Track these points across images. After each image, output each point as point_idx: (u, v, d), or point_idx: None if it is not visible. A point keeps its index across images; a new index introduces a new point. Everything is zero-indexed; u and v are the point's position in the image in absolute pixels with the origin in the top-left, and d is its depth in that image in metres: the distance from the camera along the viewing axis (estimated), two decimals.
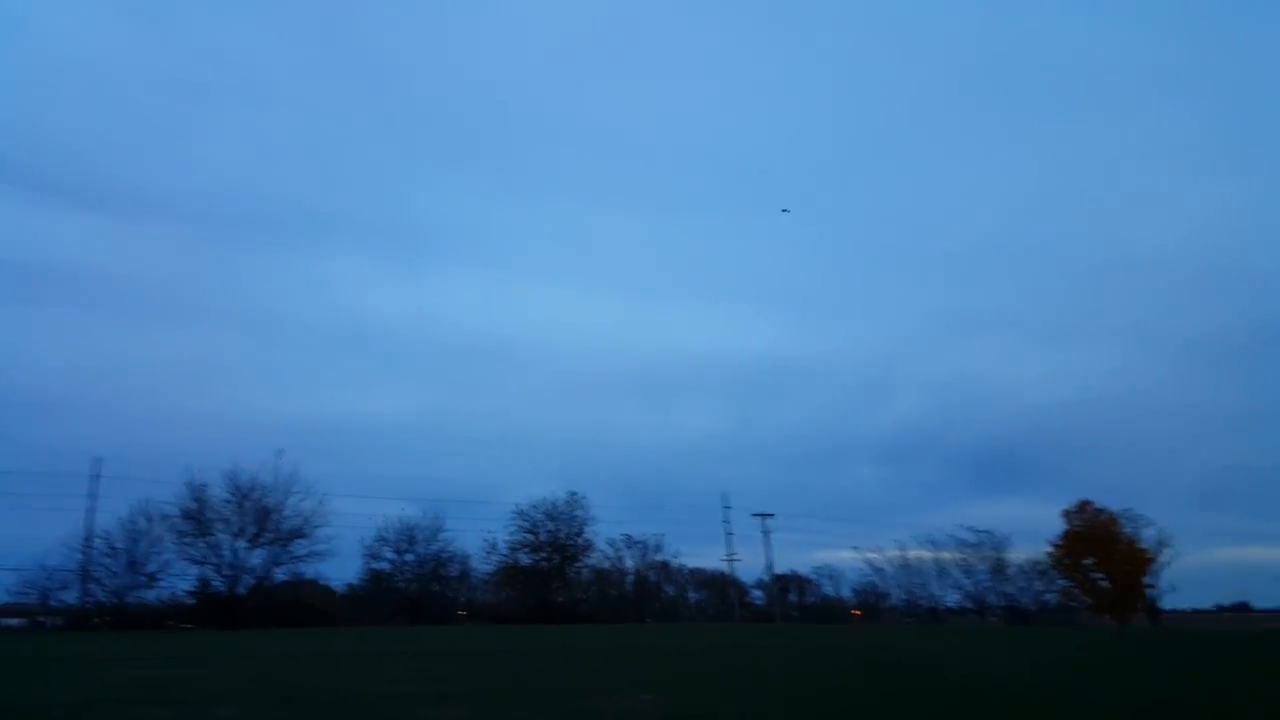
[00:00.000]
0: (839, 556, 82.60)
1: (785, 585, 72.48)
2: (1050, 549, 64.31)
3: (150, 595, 54.85)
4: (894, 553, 64.40)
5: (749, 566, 72.39)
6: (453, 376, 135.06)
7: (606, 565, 64.53)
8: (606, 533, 64.19)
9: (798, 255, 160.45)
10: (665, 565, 66.97)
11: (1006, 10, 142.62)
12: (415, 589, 59.69)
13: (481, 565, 62.08)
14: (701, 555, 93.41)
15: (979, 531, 64.45)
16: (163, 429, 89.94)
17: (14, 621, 53.58)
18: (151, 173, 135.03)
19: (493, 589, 64.52)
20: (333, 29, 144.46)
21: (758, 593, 73.95)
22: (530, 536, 61.02)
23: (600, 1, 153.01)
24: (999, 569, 66.08)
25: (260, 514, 55.88)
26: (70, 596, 53.44)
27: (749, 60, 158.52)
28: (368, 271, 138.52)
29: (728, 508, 61.09)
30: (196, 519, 54.83)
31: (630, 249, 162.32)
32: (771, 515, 61.15)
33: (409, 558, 59.67)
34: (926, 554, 65.04)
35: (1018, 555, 63.84)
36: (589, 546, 62.30)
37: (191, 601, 55.51)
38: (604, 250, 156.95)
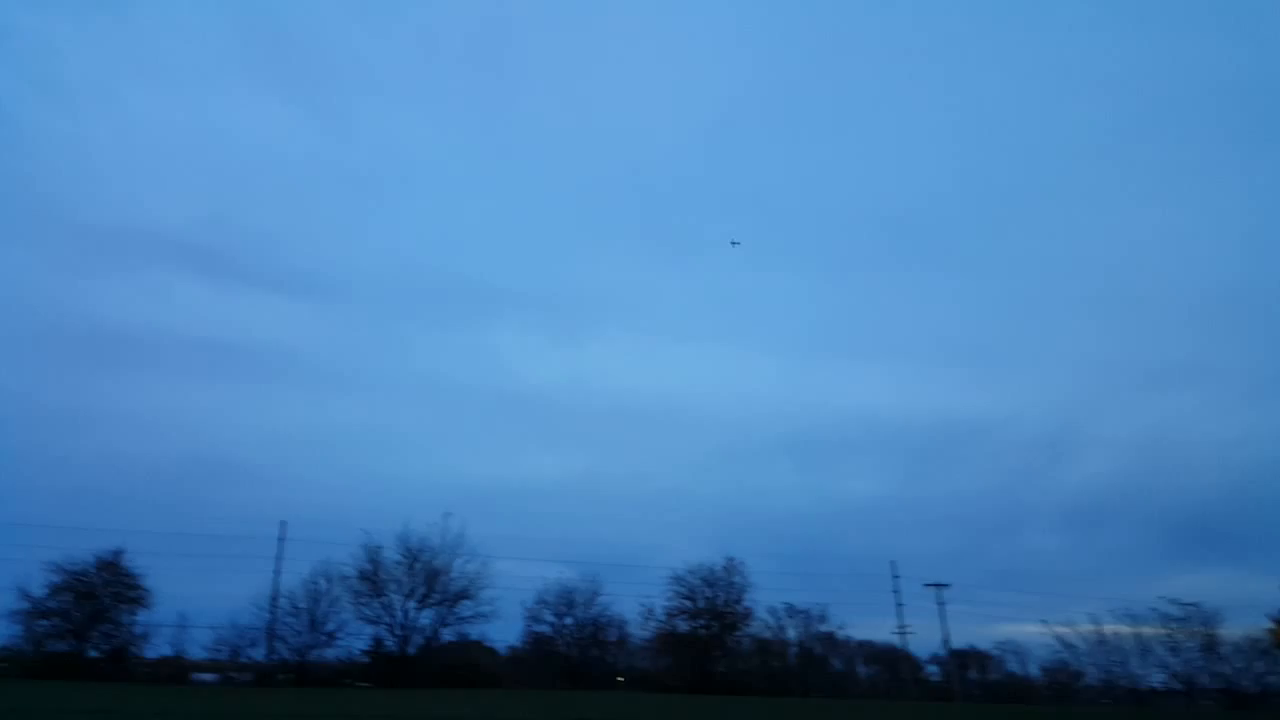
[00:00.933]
0: (1023, 630, 77.14)
1: (964, 661, 68.48)
2: (1273, 625, 57.69)
3: (329, 653, 58.31)
4: (1087, 627, 59.46)
5: (922, 640, 68.78)
6: (608, 440, 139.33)
7: (768, 635, 63.39)
8: (766, 600, 63.25)
9: (966, 308, 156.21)
10: (830, 637, 64.87)
11: (1201, 40, 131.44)
12: (575, 653, 60.42)
13: (639, 631, 62.32)
14: (869, 627, 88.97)
15: (1184, 604, 58.81)
16: (343, 493, 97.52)
17: (209, 677, 58.01)
18: (333, 258, 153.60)
19: (650, 655, 64.39)
20: (488, 114, 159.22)
21: (933, 668, 70.37)
22: (688, 603, 60.73)
23: (747, 65, 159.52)
24: (1210, 646, 59.91)
25: (429, 575, 58.40)
26: (258, 653, 57.58)
27: (904, 110, 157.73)
28: (529, 340, 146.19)
29: (897, 577, 58.55)
30: (371, 580, 58.00)
31: (787, 309, 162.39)
32: (946, 585, 57.97)
33: (568, 621, 60.76)
34: (1125, 629, 59.71)
35: (1232, 631, 57.71)
36: (749, 615, 61.40)
37: (366, 660, 58.42)
38: (760, 311, 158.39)
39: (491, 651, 62.53)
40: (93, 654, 55.28)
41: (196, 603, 60.06)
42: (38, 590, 54.08)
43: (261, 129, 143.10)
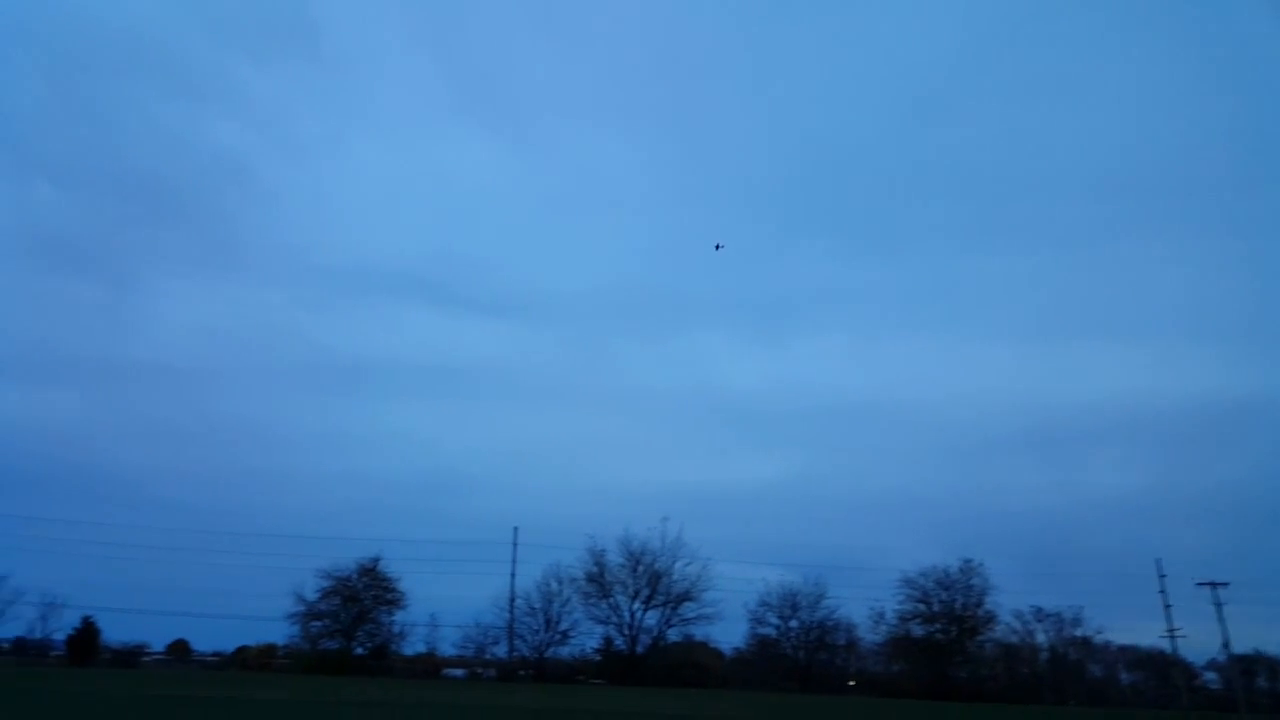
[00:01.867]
0: None
1: (1250, 667, 62.13)
2: None
3: (564, 651, 62.19)
4: None
5: (1195, 644, 62.81)
6: (821, 441, 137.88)
7: (1014, 639, 60.44)
8: (1010, 603, 60.34)
9: (1221, 274, 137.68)
10: (1086, 641, 60.89)
11: None
12: (802, 656, 60.65)
13: (869, 634, 61.55)
14: (1131, 630, 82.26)
15: None
16: (566, 500, 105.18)
17: (458, 672, 63.56)
18: (543, 279, 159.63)
19: (883, 660, 63.44)
20: (677, 125, 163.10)
21: (1210, 675, 64.42)
22: (922, 606, 59.33)
23: (941, 37, 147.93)
24: None
25: (652, 577, 60.74)
26: (500, 650, 62.42)
27: (1121, 61, 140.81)
28: (733, 344, 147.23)
29: (1163, 575, 53.64)
30: (598, 582, 61.21)
31: (1012, 292, 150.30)
32: (1224, 584, 52.47)
33: (793, 624, 61.14)
34: None
35: None
36: (991, 619, 59.04)
37: (598, 658, 61.73)
38: (981, 298, 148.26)
39: (717, 653, 64.16)
40: (359, 651, 62.12)
41: (444, 604, 66.36)
42: (310, 594, 61.70)
43: (471, 163, 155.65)
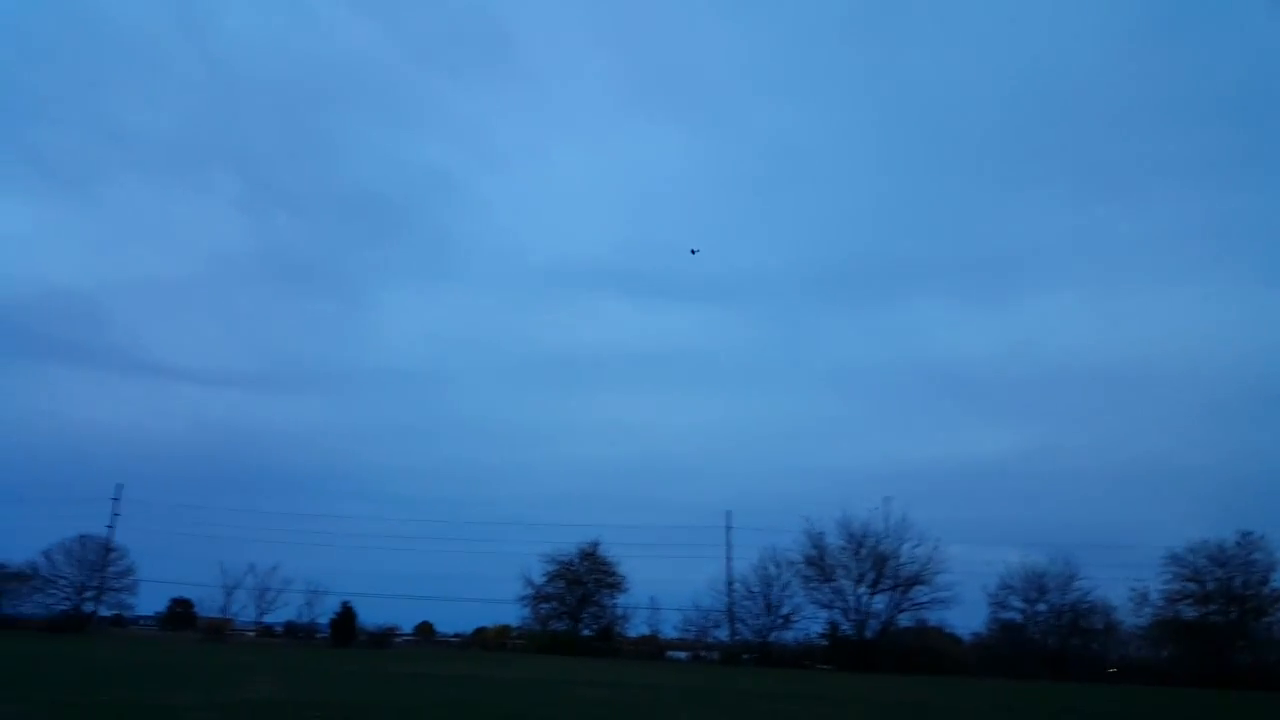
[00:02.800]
0: None
1: None
2: None
3: (787, 635, 62.61)
4: None
5: None
6: (1056, 408, 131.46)
7: None
8: None
9: None
10: None
11: None
12: (1053, 641, 57.61)
13: (1130, 618, 57.56)
14: None
15: None
16: (779, 483, 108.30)
17: (681, 654, 65.66)
18: (739, 260, 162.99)
19: (1148, 645, 59.12)
20: (872, 87, 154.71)
21: None
22: (1193, 586, 54.79)
23: None
24: None
25: (877, 560, 59.60)
26: (722, 634, 63.75)
27: None
28: (948, 311, 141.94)
29: None
30: (818, 565, 60.84)
31: (1274, 230, 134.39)
32: None
33: (1041, 607, 58.17)
34: None
35: None
36: (1279, 598, 52.86)
37: (824, 643, 61.59)
38: (1233, 238, 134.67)
39: (954, 638, 62.24)
40: (585, 632, 65.64)
41: (663, 587, 68.85)
42: (537, 578, 65.88)
43: (660, 152, 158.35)
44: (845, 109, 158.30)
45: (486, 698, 23.42)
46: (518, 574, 66.11)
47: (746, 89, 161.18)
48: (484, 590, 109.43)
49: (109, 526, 67.25)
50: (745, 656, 61.70)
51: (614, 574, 65.64)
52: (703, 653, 65.17)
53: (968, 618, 62.40)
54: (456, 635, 73.65)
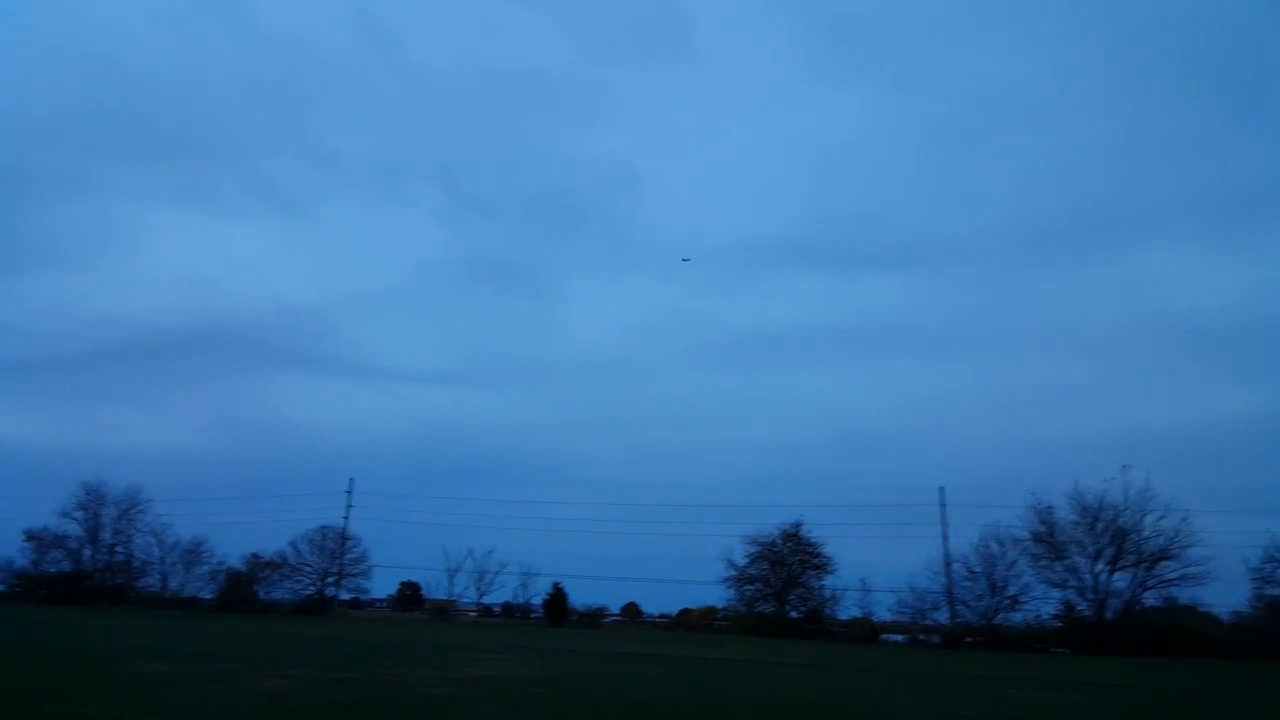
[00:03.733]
0: None
1: None
2: None
3: (1015, 617, 60.15)
4: None
5: None
6: None
7: None
8: None
9: None
10: None
11: None
12: None
13: None
14: None
15: None
16: (997, 455, 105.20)
17: (897, 638, 64.84)
18: (937, 221, 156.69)
19: None
20: (1073, 18, 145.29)
21: None
22: None
23: None
24: None
25: (1116, 535, 56.05)
26: (941, 616, 62.24)
27: None
28: (1186, 257, 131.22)
29: None
30: (1048, 542, 57.85)
31: None
32: None
33: None
34: None
35: None
36: None
37: (1058, 625, 58.79)
38: None
39: (1212, 618, 57.64)
40: (793, 615, 66.11)
41: (875, 569, 68.26)
42: (739, 560, 66.96)
43: (843, 118, 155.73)
44: (1049, 48, 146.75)
45: (698, 676, 23.81)
46: (720, 555, 67.60)
47: (933, 39, 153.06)
48: (687, 572, 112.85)
49: (344, 517, 74.72)
50: (969, 639, 59.97)
51: (819, 555, 65.48)
52: (921, 636, 63.95)
53: (1227, 595, 57.47)
54: (662, 616, 76.35)
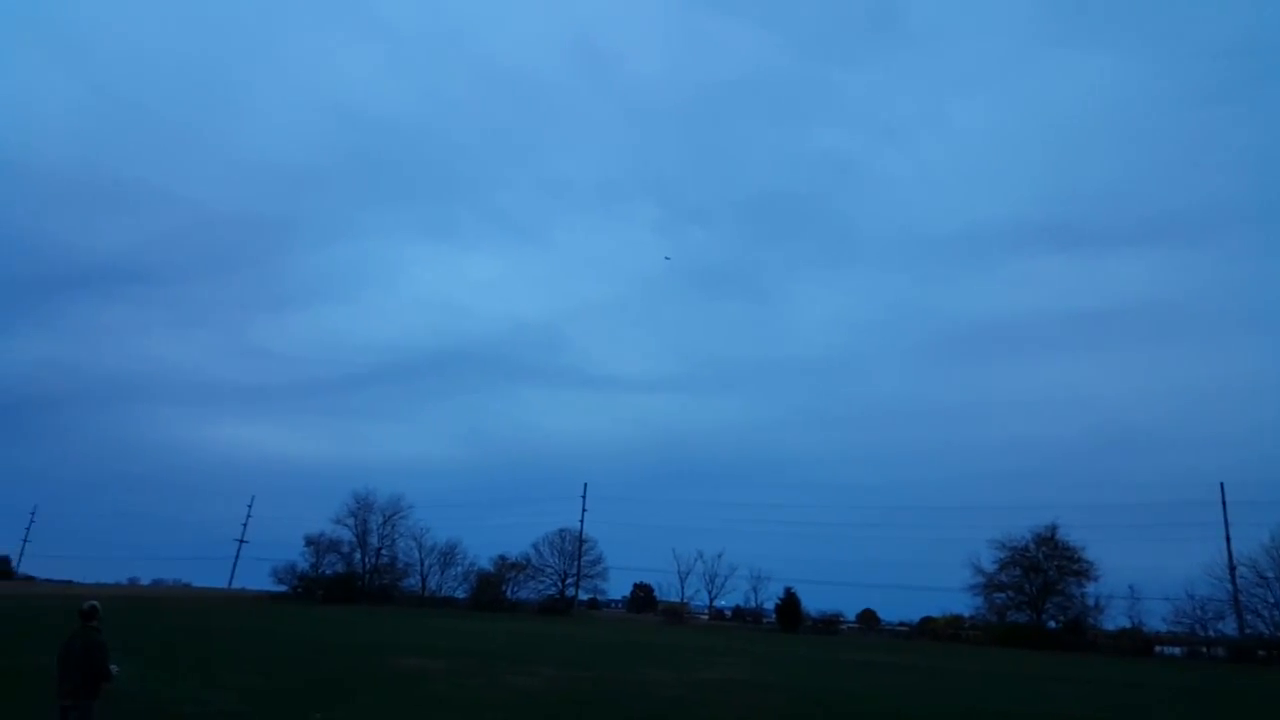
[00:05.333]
0: None
1: None
2: None
3: None
4: None
5: None
6: None
7: None
8: None
9: None
10: None
11: None
12: None
13: None
14: None
15: None
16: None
17: (1174, 650, 61.62)
18: (1197, 190, 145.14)
19: None
20: None
21: None
22: None
23: None
24: None
25: None
26: (1227, 627, 58.49)
27: None
28: None
29: None
30: None
31: None
32: None
33: None
34: None
35: None
36: None
37: None
38: None
39: None
40: (1051, 624, 64.29)
41: (1145, 574, 65.06)
42: (988, 565, 65.89)
43: (1079, 87, 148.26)
44: None
45: (945, 687, 23.15)
46: (965, 561, 66.77)
47: None
48: (928, 578, 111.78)
49: (580, 521, 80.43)
50: (1260, 653, 56.31)
51: (1079, 560, 62.76)
52: (1203, 649, 60.47)
53: None
54: (901, 624, 75.65)
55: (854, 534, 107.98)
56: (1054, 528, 63.91)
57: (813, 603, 73.72)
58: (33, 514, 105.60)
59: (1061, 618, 63.93)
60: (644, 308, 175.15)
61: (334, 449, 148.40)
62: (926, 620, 73.09)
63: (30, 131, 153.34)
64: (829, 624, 72.33)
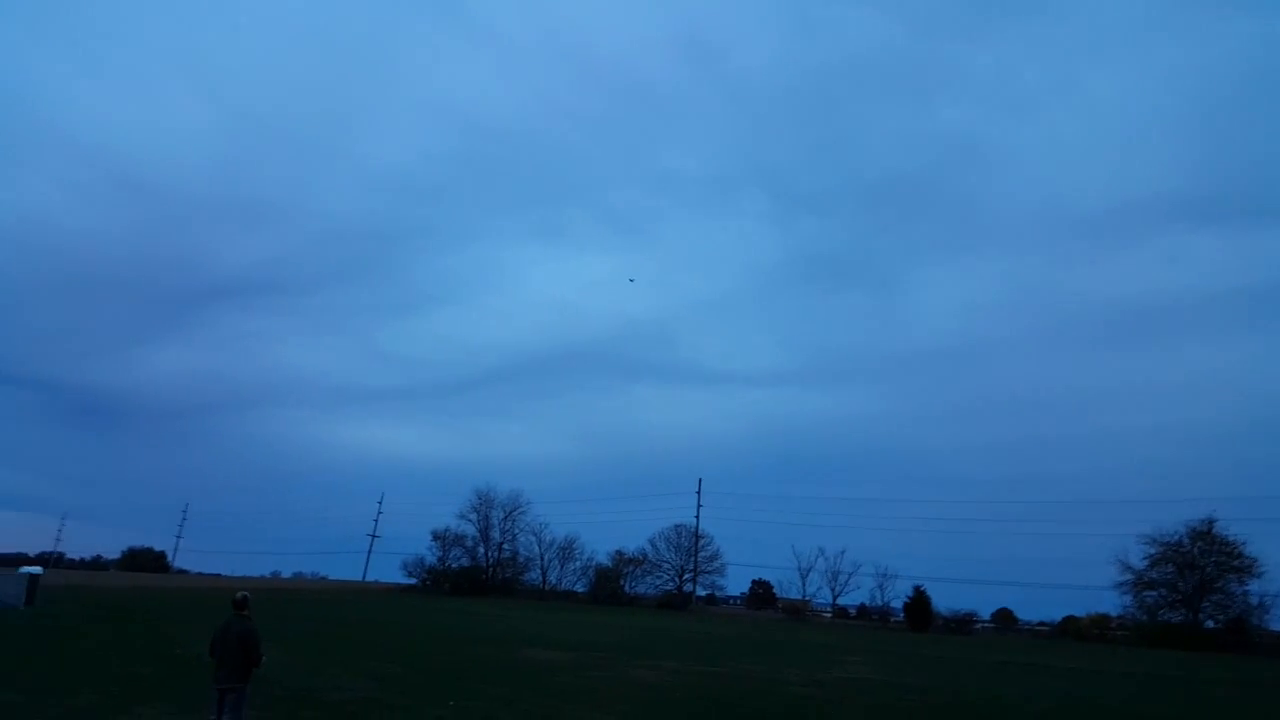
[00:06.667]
0: None
1: None
2: None
3: None
4: None
5: None
6: None
7: None
8: None
9: None
10: None
11: None
12: None
13: None
14: None
15: None
16: None
17: None
18: None
19: None
20: None
21: None
22: None
23: None
24: None
25: None
26: None
27: None
28: None
29: None
30: None
31: None
32: None
33: None
34: None
35: None
36: None
37: None
38: None
39: None
40: (1209, 624, 59.74)
41: None
42: (1137, 562, 61.88)
43: (1233, 43, 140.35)
44: None
45: (1095, 690, 21.86)
46: (1111, 558, 62.74)
47: None
48: (1070, 575, 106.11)
49: (695, 517, 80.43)
50: None
51: (1240, 556, 58.05)
52: None
53: None
54: (1041, 624, 71.96)
55: (987, 530, 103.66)
56: (1211, 521, 59.67)
57: (943, 601, 71.41)
58: (184, 512, 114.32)
59: (1221, 617, 59.66)
60: (757, 301, 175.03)
61: (457, 447, 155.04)
62: (1069, 620, 69.37)
63: (174, 155, 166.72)
64: (962, 623, 69.70)
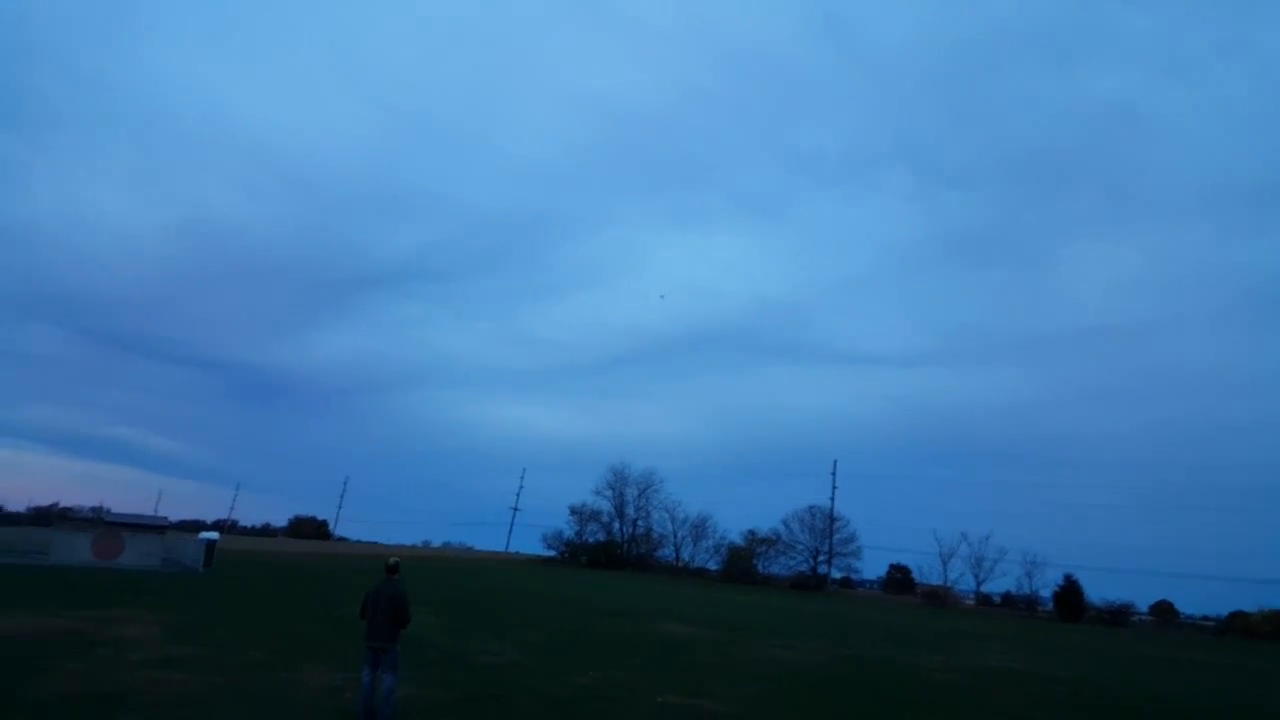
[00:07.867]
0: None
1: None
2: None
3: None
4: None
5: None
6: None
7: None
8: None
9: None
10: None
11: None
12: None
13: None
14: None
15: None
16: None
17: None
18: None
19: None
20: None
21: None
22: None
23: None
24: None
25: None
26: None
27: None
28: None
29: None
30: None
31: None
32: None
33: None
34: None
35: None
36: None
37: None
38: None
39: None
40: None
41: None
42: None
43: None
44: None
45: (1264, 690, 20.27)
46: None
47: None
48: (1238, 568, 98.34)
49: (830, 498, 79.30)
50: None
51: None
52: None
53: None
54: (1205, 618, 66.89)
55: (1146, 517, 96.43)
56: None
57: (1097, 591, 67.59)
58: (345, 484, 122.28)
59: None
60: (894, 280, 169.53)
61: (593, 427, 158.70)
62: (1237, 615, 64.12)
63: (330, 150, 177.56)
64: (1117, 614, 65.72)
